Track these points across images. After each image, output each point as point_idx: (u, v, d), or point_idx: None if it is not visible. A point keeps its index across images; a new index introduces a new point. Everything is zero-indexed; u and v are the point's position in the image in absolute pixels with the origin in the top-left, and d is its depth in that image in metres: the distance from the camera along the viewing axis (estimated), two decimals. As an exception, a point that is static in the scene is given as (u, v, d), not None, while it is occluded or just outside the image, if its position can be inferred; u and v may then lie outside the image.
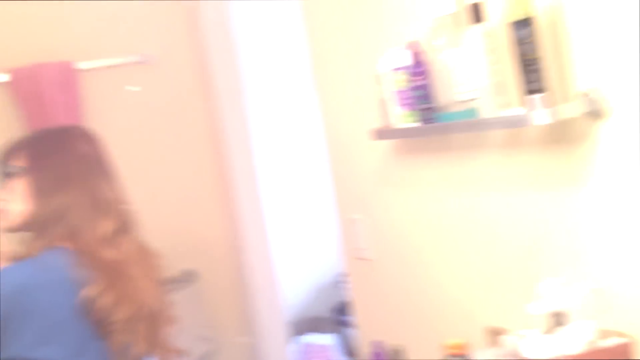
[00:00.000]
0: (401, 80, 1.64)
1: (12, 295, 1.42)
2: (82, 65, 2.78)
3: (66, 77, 2.75)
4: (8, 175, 1.58)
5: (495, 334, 1.46)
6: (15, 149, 1.60)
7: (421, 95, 1.61)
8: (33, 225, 1.53)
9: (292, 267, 3.30)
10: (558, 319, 1.29)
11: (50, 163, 1.57)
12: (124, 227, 1.59)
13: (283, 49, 3.20)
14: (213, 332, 2.90)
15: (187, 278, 2.90)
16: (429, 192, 1.82)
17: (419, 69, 1.59)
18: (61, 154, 1.59)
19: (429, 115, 1.62)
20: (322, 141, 2.25)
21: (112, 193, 1.60)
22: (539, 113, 1.27)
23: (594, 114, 1.29)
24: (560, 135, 1.37)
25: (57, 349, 1.45)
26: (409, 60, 1.61)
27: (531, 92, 1.29)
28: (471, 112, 1.45)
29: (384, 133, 1.79)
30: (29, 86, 2.72)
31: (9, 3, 2.69)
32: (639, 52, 1.19)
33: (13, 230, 1.57)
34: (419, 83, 1.60)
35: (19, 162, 1.57)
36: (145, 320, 1.54)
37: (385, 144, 1.91)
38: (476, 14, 1.37)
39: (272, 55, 3.17)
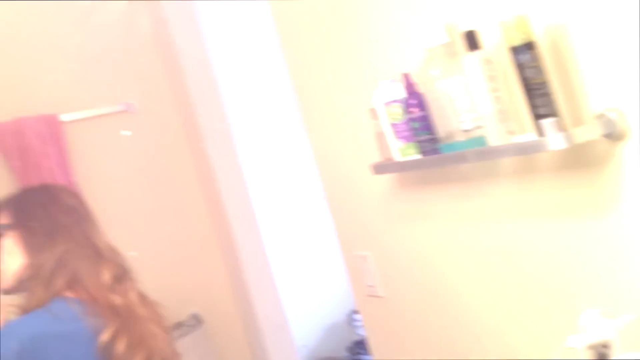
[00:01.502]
0: (397, 113, 1.54)
1: (29, 348, 1.38)
2: (66, 117, 2.75)
3: (51, 129, 2.72)
4: None
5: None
6: (1, 207, 1.58)
7: (419, 127, 1.52)
8: (32, 280, 1.50)
9: (302, 306, 3.21)
10: (601, 351, 1.21)
11: (37, 216, 1.56)
12: (122, 274, 1.57)
13: (268, 85, 3.13)
14: None
15: (192, 322, 2.86)
16: (437, 226, 1.72)
17: (414, 100, 1.49)
18: (47, 207, 1.58)
19: (431, 146, 1.53)
20: (318, 177, 2.16)
21: (104, 241, 1.59)
22: (553, 138, 1.18)
23: (613, 136, 1.20)
24: (579, 160, 1.28)
25: None
26: (402, 93, 1.52)
27: (540, 116, 1.21)
28: (480, 141, 1.35)
29: (384, 167, 1.69)
30: (14, 140, 2.66)
31: None
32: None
33: (9, 291, 1.54)
34: (415, 115, 1.50)
35: (4, 220, 1.55)
36: None
37: (387, 177, 1.81)
38: (472, 41, 1.28)
39: (257, 93, 3.10)
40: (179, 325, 2.79)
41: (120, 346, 1.46)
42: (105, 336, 1.45)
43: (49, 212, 1.57)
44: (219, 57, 2.93)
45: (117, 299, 1.51)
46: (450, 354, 1.80)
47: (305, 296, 3.25)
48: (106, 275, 1.53)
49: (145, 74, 2.92)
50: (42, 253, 1.51)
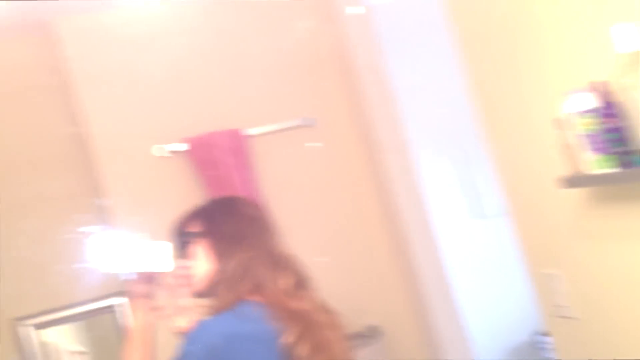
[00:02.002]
0: (591, 124, 1.43)
1: (220, 345, 1.46)
2: (251, 131, 2.89)
3: (236, 143, 2.85)
4: (186, 242, 1.66)
5: None
6: (190, 218, 1.70)
7: (616, 139, 1.39)
8: (220, 284, 1.59)
9: (483, 323, 3.09)
10: None
11: (225, 225, 1.65)
12: (302, 282, 1.62)
13: (446, 98, 3.06)
14: None
15: (371, 334, 2.85)
16: (637, 244, 1.57)
17: (610, 110, 1.37)
18: (232, 217, 1.67)
19: (628, 159, 1.40)
20: (501, 192, 2.06)
21: (284, 251, 1.65)
22: None
23: None
24: None
25: None
26: (596, 102, 1.40)
27: None
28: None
29: (577, 181, 1.57)
30: (204, 153, 2.83)
31: (186, 82, 2.89)
32: None
33: (201, 294, 1.63)
34: (611, 125, 1.38)
35: (195, 229, 1.66)
36: None
37: (576, 191, 1.68)
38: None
39: (435, 106, 3.04)
40: (357, 336, 2.80)
41: (304, 349, 1.50)
42: (288, 338, 1.49)
43: (234, 222, 1.66)
44: (397, 71, 2.92)
45: (296, 305, 1.55)
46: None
47: (485, 313, 3.14)
48: (286, 282, 1.58)
49: (325, 89, 2.98)
50: (228, 259, 1.59)
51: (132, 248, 1.64)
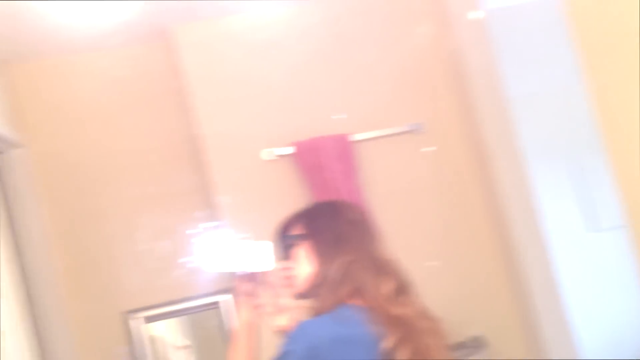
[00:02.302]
0: None
1: (320, 347, 1.47)
2: (357, 137, 2.91)
3: (342, 148, 2.88)
4: (289, 245, 1.69)
5: None
6: (293, 220, 1.72)
7: None
8: (321, 286, 1.60)
9: (594, 340, 2.93)
10: None
11: (327, 228, 1.66)
12: (403, 287, 1.61)
13: (564, 108, 2.94)
14: None
15: (475, 344, 2.80)
16: None
17: None
18: (335, 220, 1.68)
19: None
20: (619, 204, 1.95)
21: (386, 255, 1.65)
22: None
23: None
24: None
25: None
26: None
27: None
28: None
29: None
30: (310, 157, 2.86)
31: (298, 86, 2.94)
32: None
33: (303, 295, 1.66)
34: None
35: (298, 231, 1.68)
36: None
37: None
38: None
39: (551, 116, 2.93)
40: (460, 346, 2.73)
41: (403, 355, 1.48)
42: (388, 343, 1.48)
43: (337, 225, 1.66)
44: (512, 77, 2.84)
45: (397, 310, 1.54)
46: None
47: (597, 329, 2.98)
48: (387, 287, 1.57)
49: (435, 95, 2.96)
50: (330, 262, 1.60)
51: (236, 247, 1.67)
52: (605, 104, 1.91)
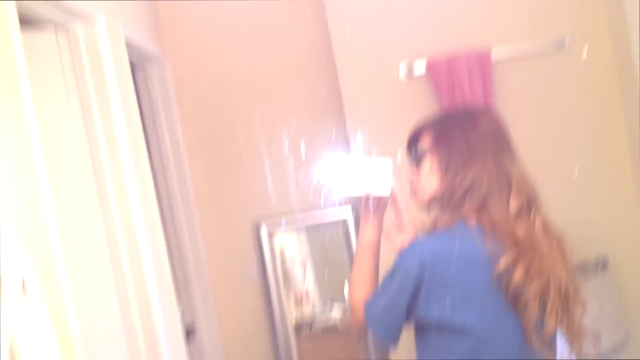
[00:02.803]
0: None
1: (432, 264, 1.48)
2: (496, 54, 2.76)
3: (482, 67, 2.75)
4: (418, 157, 1.65)
5: None
6: (424, 130, 1.66)
7: None
8: (443, 200, 1.58)
9: None
10: None
11: (456, 141, 1.60)
12: (530, 205, 1.56)
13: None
14: (625, 322, 2.72)
15: (600, 264, 2.74)
16: None
17: None
18: (466, 132, 1.60)
19: None
20: None
21: (517, 171, 1.58)
22: None
23: None
24: None
25: (475, 316, 1.48)
26: None
27: None
28: None
29: None
30: (446, 75, 2.77)
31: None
32: None
33: (425, 205, 1.64)
34: None
35: (427, 142, 1.63)
36: (556, 298, 1.50)
37: None
38: None
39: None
40: (583, 265, 2.65)
41: (518, 274, 1.46)
42: (503, 263, 1.47)
43: (467, 137, 1.59)
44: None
45: (519, 229, 1.51)
46: None
47: None
48: (513, 205, 1.53)
49: (581, 6, 2.75)
50: (455, 177, 1.55)
51: (358, 167, 1.65)
52: None
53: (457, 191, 1.55)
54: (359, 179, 1.64)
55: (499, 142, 1.60)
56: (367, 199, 1.67)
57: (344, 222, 2.99)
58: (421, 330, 1.56)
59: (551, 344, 1.56)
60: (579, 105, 2.80)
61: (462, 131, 1.60)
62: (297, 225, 3.05)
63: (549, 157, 2.74)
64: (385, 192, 1.64)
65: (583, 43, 2.73)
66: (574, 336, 1.56)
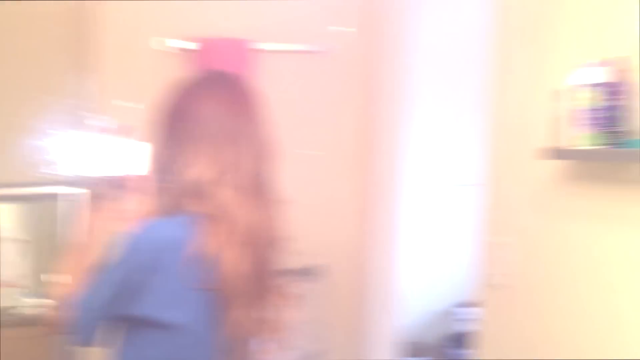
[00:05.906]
0: (592, 98, 1.54)
1: (138, 252, 1.41)
2: (262, 45, 2.87)
3: (242, 55, 2.82)
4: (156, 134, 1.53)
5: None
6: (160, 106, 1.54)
7: (613, 117, 1.51)
8: (162, 188, 1.50)
9: (415, 288, 3.26)
10: None
11: (182, 115, 1.49)
12: (257, 189, 1.50)
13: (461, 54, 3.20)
14: (325, 331, 2.92)
15: (316, 272, 2.90)
16: (596, 224, 1.68)
17: (617, 87, 1.49)
18: (194, 102, 1.50)
19: (616, 139, 1.51)
20: (479, 157, 2.17)
21: (238, 156, 1.49)
22: None
23: None
24: None
25: (184, 311, 1.43)
26: (606, 77, 1.51)
27: None
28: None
29: (560, 153, 1.68)
30: (207, 57, 2.79)
31: None
32: None
33: (145, 197, 1.55)
34: (613, 103, 1.49)
35: (156, 119, 1.53)
36: (253, 291, 1.47)
37: (553, 165, 1.80)
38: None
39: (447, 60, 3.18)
40: (302, 270, 2.77)
41: (225, 264, 1.42)
42: (210, 251, 1.42)
43: (194, 110, 1.48)
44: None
45: (238, 217, 1.44)
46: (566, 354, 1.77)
47: (419, 279, 3.29)
48: (228, 194, 1.44)
49: (341, 18, 2.98)
50: (175, 160, 1.46)
51: (104, 147, 1.56)
52: (501, 57, 2.05)
53: (175, 178, 1.46)
54: (97, 158, 1.54)
55: (244, 112, 1.52)
56: (106, 181, 1.55)
57: (58, 198, 2.65)
58: (123, 326, 1.46)
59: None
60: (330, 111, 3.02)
61: (183, 109, 1.49)
62: (8, 195, 2.64)
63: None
64: (122, 173, 1.54)
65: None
66: (257, 329, 1.51)
